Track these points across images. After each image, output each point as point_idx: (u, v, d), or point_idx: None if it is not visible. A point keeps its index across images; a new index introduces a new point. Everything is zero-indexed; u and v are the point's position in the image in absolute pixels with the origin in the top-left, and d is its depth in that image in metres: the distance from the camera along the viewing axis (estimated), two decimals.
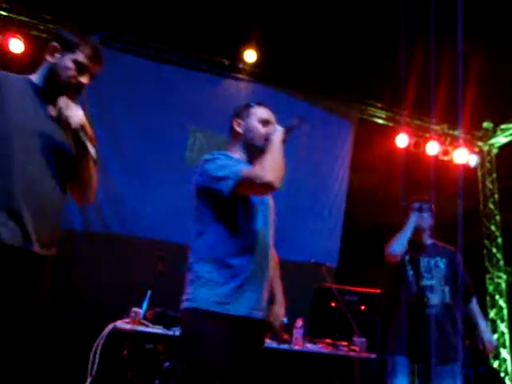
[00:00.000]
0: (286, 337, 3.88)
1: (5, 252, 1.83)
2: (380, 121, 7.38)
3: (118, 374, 3.61)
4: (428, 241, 3.53)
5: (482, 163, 7.93)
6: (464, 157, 7.49)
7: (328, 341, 4.25)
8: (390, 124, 7.39)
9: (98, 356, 3.35)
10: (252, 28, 5.83)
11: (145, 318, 3.62)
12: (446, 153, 7.53)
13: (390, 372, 3.29)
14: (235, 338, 2.09)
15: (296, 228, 6.29)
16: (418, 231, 3.48)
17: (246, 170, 2.11)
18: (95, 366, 3.32)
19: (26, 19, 5.81)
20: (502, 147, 7.88)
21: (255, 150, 2.26)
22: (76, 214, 5.66)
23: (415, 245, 3.47)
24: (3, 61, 5.50)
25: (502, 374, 7.00)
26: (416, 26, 4.07)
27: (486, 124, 7.65)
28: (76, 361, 3.60)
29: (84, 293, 4.93)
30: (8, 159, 1.89)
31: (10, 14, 5.75)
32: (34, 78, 2.06)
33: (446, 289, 3.32)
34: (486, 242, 7.77)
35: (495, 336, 7.31)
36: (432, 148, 7.29)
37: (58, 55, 2.03)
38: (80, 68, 2.03)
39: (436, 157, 7.36)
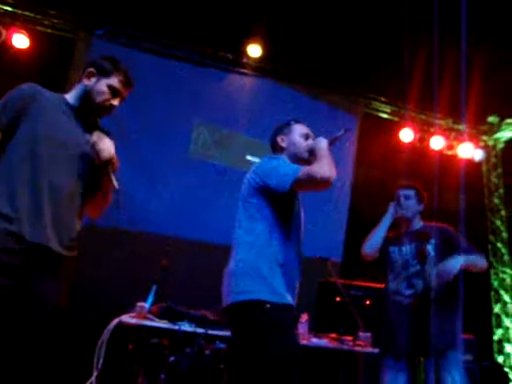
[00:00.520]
0: None
1: (29, 250, 1.99)
2: (384, 115, 7.36)
3: (123, 368, 3.63)
4: (417, 226, 3.36)
5: (487, 158, 7.89)
6: (469, 151, 7.48)
7: (333, 335, 4.24)
8: (395, 118, 7.37)
9: (103, 350, 3.37)
10: (256, 23, 5.83)
11: (150, 312, 3.63)
12: (450, 147, 7.52)
13: (380, 370, 3.23)
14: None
15: None
16: (403, 221, 3.37)
17: (304, 167, 2.29)
18: (101, 360, 3.34)
19: (31, 15, 5.81)
20: (508, 141, 7.82)
21: (300, 161, 2.48)
22: None
23: (399, 235, 3.36)
24: (8, 56, 5.52)
25: (507, 369, 6.99)
26: (420, 20, 4.05)
27: (491, 118, 7.61)
28: (82, 355, 3.62)
29: (90, 287, 4.94)
30: (36, 167, 2.05)
31: (15, 10, 5.76)
32: (69, 97, 2.26)
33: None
34: (491, 236, 7.74)
35: (500, 331, 7.32)
36: (437, 142, 7.28)
37: (93, 79, 2.23)
38: (114, 92, 2.25)
39: (441, 151, 7.35)
